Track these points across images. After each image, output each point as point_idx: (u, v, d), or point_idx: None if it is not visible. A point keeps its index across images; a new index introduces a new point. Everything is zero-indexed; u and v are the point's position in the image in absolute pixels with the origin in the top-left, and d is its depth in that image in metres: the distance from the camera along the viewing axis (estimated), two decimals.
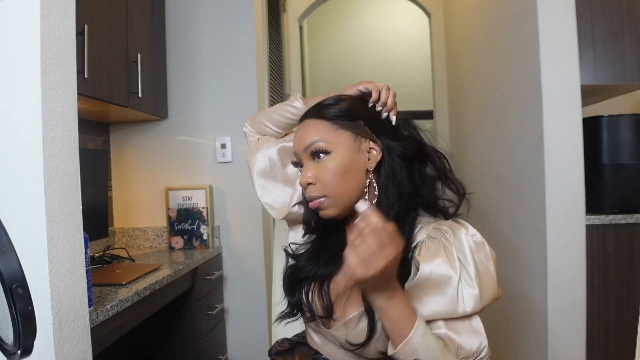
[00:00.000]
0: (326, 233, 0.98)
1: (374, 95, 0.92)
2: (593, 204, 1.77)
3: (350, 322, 0.88)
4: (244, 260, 2.23)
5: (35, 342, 0.53)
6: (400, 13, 5.05)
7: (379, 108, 0.93)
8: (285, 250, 1.04)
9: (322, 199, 0.88)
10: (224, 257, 2.24)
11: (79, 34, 1.26)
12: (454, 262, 0.81)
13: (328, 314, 0.91)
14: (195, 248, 2.15)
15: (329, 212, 0.89)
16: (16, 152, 0.90)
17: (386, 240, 0.69)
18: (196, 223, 2.16)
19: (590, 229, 1.74)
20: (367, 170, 0.88)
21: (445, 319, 0.81)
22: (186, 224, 2.16)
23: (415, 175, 0.90)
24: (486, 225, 2.56)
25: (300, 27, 3.74)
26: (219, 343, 2.15)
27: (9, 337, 0.53)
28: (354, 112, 0.90)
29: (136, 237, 2.25)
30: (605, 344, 1.74)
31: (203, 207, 2.16)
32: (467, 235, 0.83)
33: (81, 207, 1.01)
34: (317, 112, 0.91)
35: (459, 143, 3.20)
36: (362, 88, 0.94)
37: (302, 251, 1.01)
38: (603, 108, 2.08)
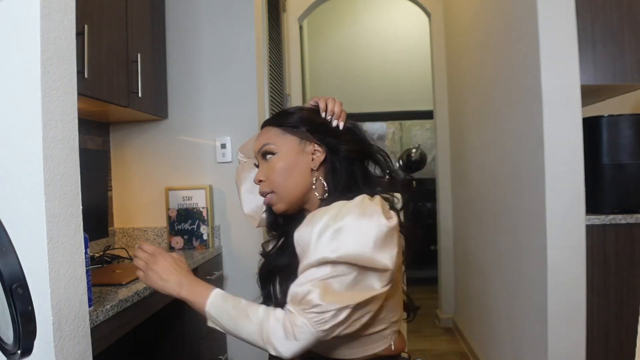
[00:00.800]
0: (287, 230, 1.09)
1: (321, 105, 1.06)
2: (593, 204, 1.77)
3: None
4: (244, 260, 2.23)
5: (35, 342, 0.53)
6: (400, 13, 5.05)
7: (328, 117, 1.06)
8: (261, 253, 1.16)
9: (271, 195, 1.02)
10: (224, 257, 2.24)
11: (79, 34, 1.26)
12: (325, 217, 0.88)
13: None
14: (195, 248, 2.15)
15: (278, 206, 1.03)
16: (16, 152, 0.90)
17: (146, 259, 0.99)
18: (196, 223, 2.16)
19: (590, 229, 1.73)
20: (313, 170, 1.02)
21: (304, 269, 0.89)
22: (186, 224, 2.16)
23: (357, 173, 1.03)
24: (486, 225, 2.56)
25: (300, 27, 3.74)
26: (219, 343, 2.15)
27: (9, 337, 0.53)
28: (300, 119, 1.04)
29: (136, 237, 2.25)
30: (605, 344, 1.74)
31: (203, 207, 2.16)
32: (357, 204, 0.90)
33: (81, 207, 1.01)
34: (269, 120, 1.08)
35: (459, 143, 3.20)
36: (312, 102, 1.09)
37: (271, 248, 1.13)
38: (603, 108, 2.08)
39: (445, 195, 3.51)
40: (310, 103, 1.09)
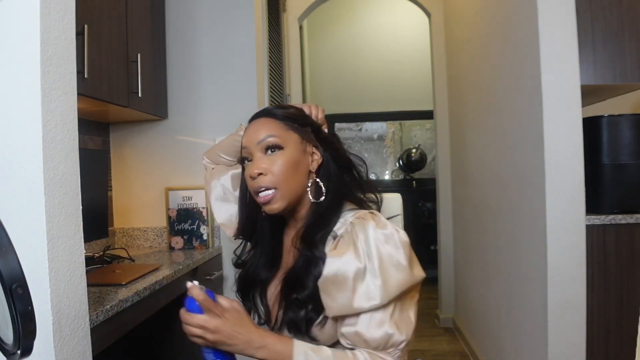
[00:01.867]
0: (263, 239, 1.06)
1: (307, 110, 1.05)
2: (593, 204, 1.77)
3: (283, 324, 0.96)
4: None
5: (35, 342, 0.53)
6: (400, 13, 5.05)
7: None
8: (234, 264, 1.11)
9: (274, 192, 0.95)
10: (224, 257, 2.24)
11: (79, 34, 1.26)
12: (361, 257, 0.85)
13: (267, 320, 1.00)
14: (195, 248, 2.15)
15: (277, 205, 0.95)
16: (16, 152, 0.90)
17: (202, 323, 0.86)
18: (196, 223, 2.16)
19: (590, 229, 1.73)
20: (309, 172, 0.99)
21: (356, 315, 0.86)
22: (186, 224, 2.16)
23: (347, 181, 1.02)
24: (486, 225, 2.56)
25: (300, 27, 3.74)
26: None
27: (8, 337, 0.53)
28: (304, 118, 1.01)
29: (136, 237, 2.25)
30: (605, 343, 1.74)
31: (203, 207, 2.16)
32: (376, 229, 0.88)
33: (81, 207, 1.01)
34: (268, 112, 1.01)
35: (459, 143, 3.20)
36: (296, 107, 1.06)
37: (245, 258, 1.09)
38: (603, 108, 2.08)
39: (445, 195, 3.51)
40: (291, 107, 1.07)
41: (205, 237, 2.15)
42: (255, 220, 1.05)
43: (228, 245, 2.24)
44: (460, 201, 3.21)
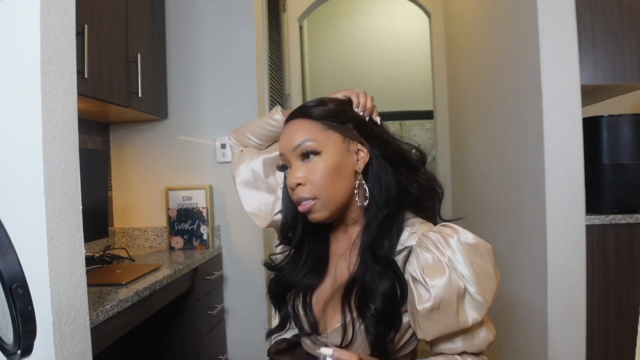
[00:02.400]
0: (306, 242, 0.98)
1: (355, 100, 0.94)
2: (593, 204, 1.77)
3: (334, 333, 0.89)
4: (244, 260, 2.23)
5: (35, 342, 0.53)
6: (400, 13, 5.05)
7: (360, 112, 0.94)
8: (266, 264, 1.04)
9: (313, 202, 0.87)
10: (224, 257, 2.24)
11: (79, 34, 1.26)
12: (458, 276, 0.81)
13: (313, 330, 0.92)
14: (195, 248, 2.15)
15: (319, 215, 0.88)
16: (16, 152, 0.90)
17: None
18: (196, 223, 2.16)
19: (590, 229, 1.73)
20: (355, 172, 0.90)
21: (457, 333, 0.83)
22: (186, 224, 2.16)
23: (402, 178, 0.91)
24: (486, 225, 2.56)
25: (300, 27, 3.74)
26: (219, 343, 2.15)
27: (9, 337, 0.53)
28: (344, 114, 0.90)
29: (136, 237, 2.25)
30: (605, 344, 1.74)
31: (203, 207, 2.16)
32: (460, 242, 0.84)
33: (81, 207, 1.01)
34: (304, 112, 0.91)
35: (458, 143, 3.20)
36: (340, 95, 0.95)
37: (283, 262, 1.00)
38: (603, 108, 2.08)
39: (445, 195, 3.51)
40: (336, 96, 0.96)
41: (205, 237, 2.15)
42: (300, 223, 0.96)
43: (228, 245, 2.24)
44: (460, 201, 3.21)
